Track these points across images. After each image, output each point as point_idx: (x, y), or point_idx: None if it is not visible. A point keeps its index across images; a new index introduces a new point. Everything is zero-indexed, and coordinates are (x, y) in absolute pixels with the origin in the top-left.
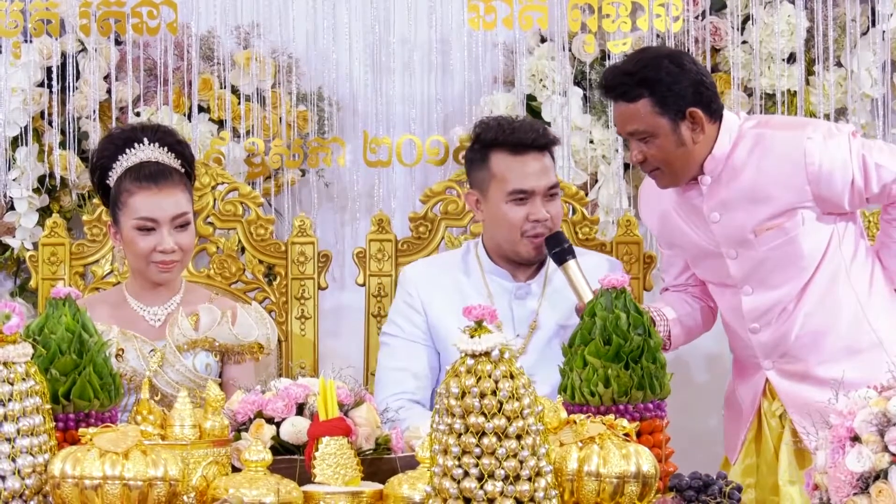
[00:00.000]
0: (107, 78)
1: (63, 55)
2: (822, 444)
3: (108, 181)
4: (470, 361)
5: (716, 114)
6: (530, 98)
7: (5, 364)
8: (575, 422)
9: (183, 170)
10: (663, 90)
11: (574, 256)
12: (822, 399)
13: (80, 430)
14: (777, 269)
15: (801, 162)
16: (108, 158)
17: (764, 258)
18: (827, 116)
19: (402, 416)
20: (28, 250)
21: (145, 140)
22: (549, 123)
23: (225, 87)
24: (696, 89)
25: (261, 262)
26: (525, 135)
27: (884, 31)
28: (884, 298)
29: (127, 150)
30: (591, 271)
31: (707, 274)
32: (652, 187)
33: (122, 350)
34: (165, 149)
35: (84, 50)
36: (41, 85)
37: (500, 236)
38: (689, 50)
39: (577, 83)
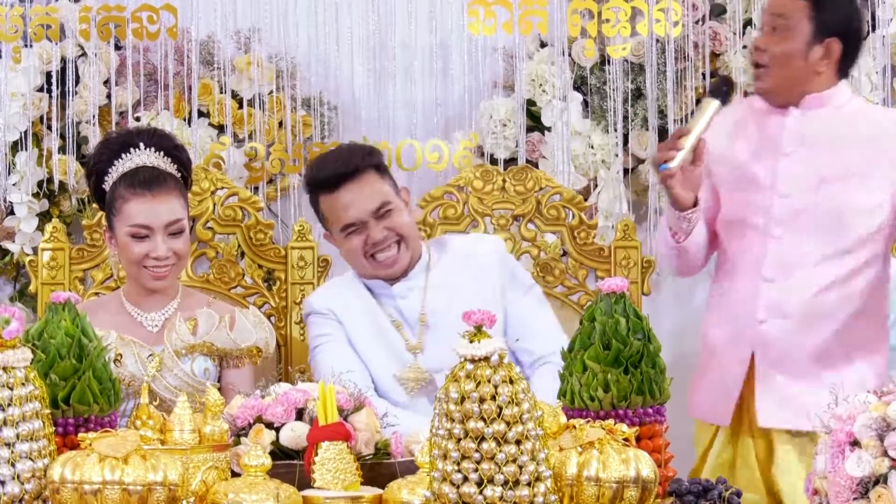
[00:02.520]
0: (107, 83)
1: (63, 60)
2: (821, 448)
3: (104, 186)
4: (469, 366)
5: (843, 70)
6: (530, 103)
7: (5, 369)
8: (574, 427)
9: (179, 174)
10: (825, 4)
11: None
12: (795, 391)
13: (80, 434)
14: (820, 228)
15: None
16: (105, 163)
17: (814, 208)
18: None
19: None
20: (28, 255)
21: (141, 145)
22: (548, 128)
23: (225, 92)
24: (848, 31)
25: (260, 266)
26: (331, 169)
27: (883, 36)
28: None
29: (123, 155)
30: (470, 258)
31: (738, 207)
32: (738, 108)
33: (121, 355)
34: (162, 153)
35: (84, 55)
36: (41, 90)
37: (354, 266)
38: (688, 55)
39: (577, 88)
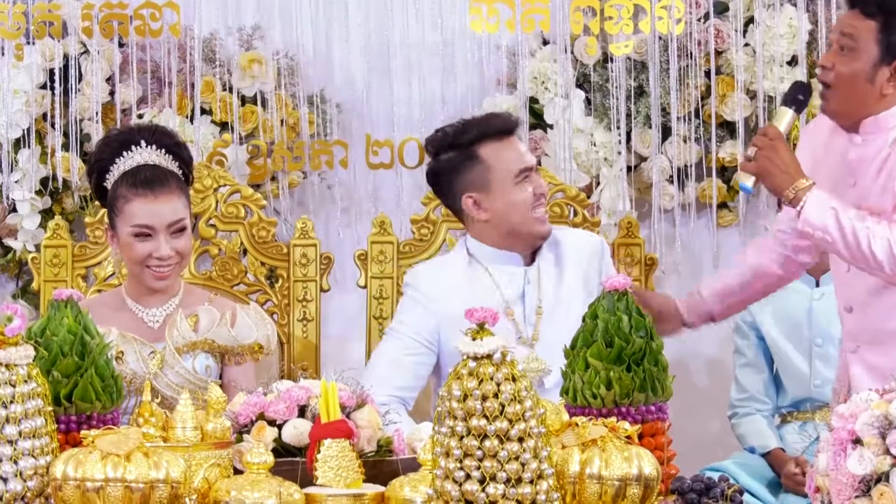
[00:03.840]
0: (109, 80)
1: (65, 57)
2: (823, 446)
3: (105, 184)
4: (472, 364)
5: None
6: (532, 100)
7: (7, 366)
8: (577, 424)
9: (181, 171)
10: (893, 26)
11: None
12: None
13: (82, 432)
14: None
15: None
16: (106, 160)
17: None
18: None
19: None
20: (30, 252)
21: (143, 142)
22: (551, 126)
23: (230, 90)
24: None
25: (263, 264)
26: (502, 122)
27: None
28: None
29: (124, 153)
30: (577, 251)
31: None
32: (813, 126)
33: (122, 352)
34: (163, 151)
35: (86, 52)
36: (43, 87)
37: (515, 223)
38: (690, 53)
39: (580, 85)
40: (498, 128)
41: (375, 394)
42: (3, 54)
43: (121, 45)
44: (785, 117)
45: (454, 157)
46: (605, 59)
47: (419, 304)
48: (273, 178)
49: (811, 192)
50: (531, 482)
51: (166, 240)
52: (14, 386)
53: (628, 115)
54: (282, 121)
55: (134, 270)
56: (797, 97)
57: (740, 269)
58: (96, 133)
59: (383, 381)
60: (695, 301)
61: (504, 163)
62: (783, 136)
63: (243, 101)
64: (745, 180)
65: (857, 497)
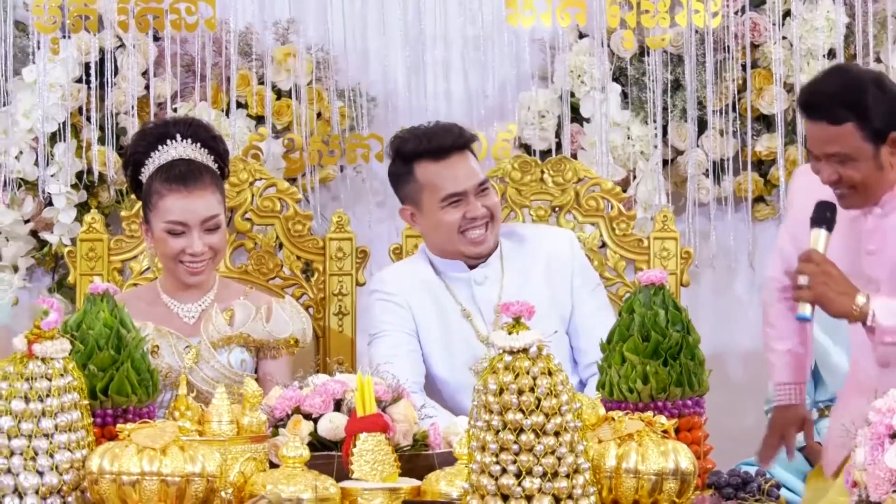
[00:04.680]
0: (145, 74)
1: (101, 51)
2: (861, 441)
3: (140, 177)
4: (508, 358)
5: None
6: (570, 94)
7: (43, 360)
8: (613, 418)
9: (216, 165)
10: (869, 114)
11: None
12: None
13: (118, 426)
14: None
15: None
16: (141, 154)
17: None
18: None
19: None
20: (66, 246)
21: (178, 136)
22: (587, 119)
23: (265, 84)
24: None
25: (298, 258)
26: (444, 139)
27: None
28: None
29: (159, 147)
30: (545, 250)
31: None
32: (811, 181)
33: (157, 346)
34: (198, 145)
35: (122, 46)
36: (79, 81)
37: (442, 241)
38: (727, 46)
39: (616, 79)
40: (438, 146)
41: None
42: (39, 48)
43: (156, 38)
44: (821, 240)
45: (398, 166)
46: (642, 52)
47: (390, 302)
48: (309, 172)
49: (874, 302)
50: (567, 476)
51: (199, 236)
52: (50, 380)
53: (665, 109)
54: (317, 114)
55: (168, 265)
56: (825, 215)
57: (782, 336)
58: (132, 127)
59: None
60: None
61: (434, 184)
62: (826, 258)
63: (279, 94)
64: (803, 310)
65: (894, 491)
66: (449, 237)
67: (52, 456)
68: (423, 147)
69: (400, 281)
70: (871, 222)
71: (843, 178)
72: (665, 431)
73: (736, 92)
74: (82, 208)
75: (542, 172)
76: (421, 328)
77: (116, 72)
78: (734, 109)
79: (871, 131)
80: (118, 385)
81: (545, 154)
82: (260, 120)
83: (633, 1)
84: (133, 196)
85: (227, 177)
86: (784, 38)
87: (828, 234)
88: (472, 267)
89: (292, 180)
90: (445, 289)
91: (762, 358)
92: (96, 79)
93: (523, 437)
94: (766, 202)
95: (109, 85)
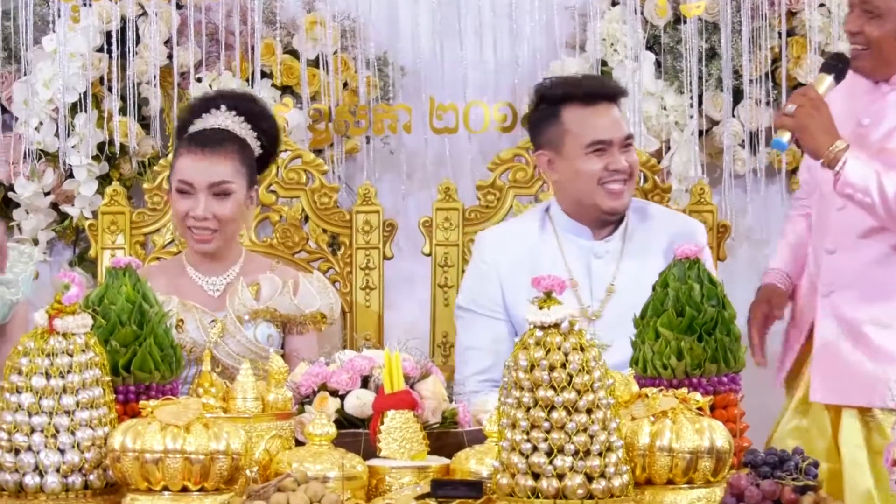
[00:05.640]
0: (167, 43)
1: (123, 19)
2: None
3: None
4: (539, 333)
5: None
6: (601, 63)
7: (65, 335)
8: (647, 395)
9: (259, 143)
10: None
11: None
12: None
13: (141, 402)
14: None
15: None
16: (185, 121)
17: None
18: None
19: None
20: (87, 219)
21: (223, 106)
22: None
23: (298, 55)
24: None
25: (325, 231)
26: (594, 85)
27: None
28: None
29: (203, 115)
30: (669, 236)
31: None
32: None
33: (182, 321)
34: (242, 118)
35: (144, 14)
36: (100, 50)
37: (579, 191)
38: (763, 14)
39: (650, 48)
40: (587, 91)
41: (470, 382)
42: (59, 16)
43: (179, 6)
44: (824, 83)
45: (542, 110)
46: (677, 20)
47: (483, 274)
48: (334, 143)
49: (850, 153)
50: (600, 454)
51: (206, 199)
52: (71, 355)
53: (700, 78)
54: (344, 84)
55: (179, 231)
56: (837, 65)
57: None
58: (154, 97)
59: (472, 369)
60: (782, 276)
61: (580, 129)
62: (822, 97)
63: (304, 63)
64: (781, 136)
65: None
66: (587, 186)
67: (73, 433)
68: (573, 91)
69: (501, 250)
70: (873, 96)
71: (864, 32)
72: (700, 409)
73: (773, 61)
74: (104, 180)
75: None
76: (514, 304)
77: (138, 41)
78: (771, 78)
79: None
80: (140, 361)
81: None
82: (285, 90)
83: None
84: (156, 168)
85: (272, 158)
86: (822, 4)
87: (832, 81)
88: (595, 236)
89: (318, 152)
90: (559, 253)
91: None
92: (118, 48)
93: (555, 415)
94: None
95: (131, 54)
